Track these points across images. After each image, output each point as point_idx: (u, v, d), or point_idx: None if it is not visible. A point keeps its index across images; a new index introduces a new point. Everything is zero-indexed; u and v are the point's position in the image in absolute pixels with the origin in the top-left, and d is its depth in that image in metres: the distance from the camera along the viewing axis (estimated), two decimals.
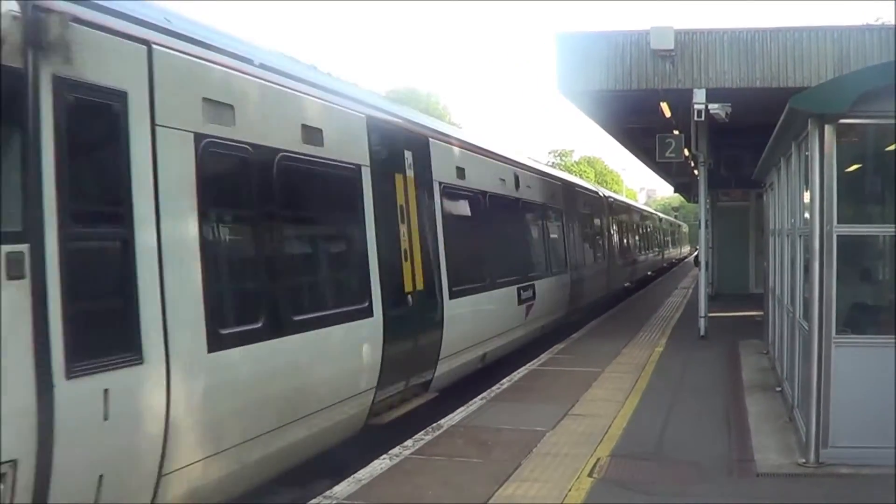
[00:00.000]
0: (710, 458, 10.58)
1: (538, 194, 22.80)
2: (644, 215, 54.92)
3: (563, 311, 24.41)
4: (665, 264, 65.23)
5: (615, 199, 40.70)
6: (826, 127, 9.66)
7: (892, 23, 25.78)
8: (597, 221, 32.28)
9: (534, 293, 20.46)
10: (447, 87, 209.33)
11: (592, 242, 30.88)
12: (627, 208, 45.67)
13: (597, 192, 35.15)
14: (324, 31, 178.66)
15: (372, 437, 11.82)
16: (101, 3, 7.23)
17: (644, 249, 49.98)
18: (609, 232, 34.59)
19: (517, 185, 20.40)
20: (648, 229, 54.53)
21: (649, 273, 50.98)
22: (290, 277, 10.28)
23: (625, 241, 40.55)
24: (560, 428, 12.20)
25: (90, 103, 6.97)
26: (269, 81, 9.86)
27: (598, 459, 10.50)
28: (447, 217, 15.28)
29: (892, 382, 9.58)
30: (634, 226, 46.38)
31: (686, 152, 23.32)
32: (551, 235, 24.03)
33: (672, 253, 77.32)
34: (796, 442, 10.85)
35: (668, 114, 22.04)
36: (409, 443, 11.37)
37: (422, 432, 11.96)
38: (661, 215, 76.28)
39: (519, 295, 19.28)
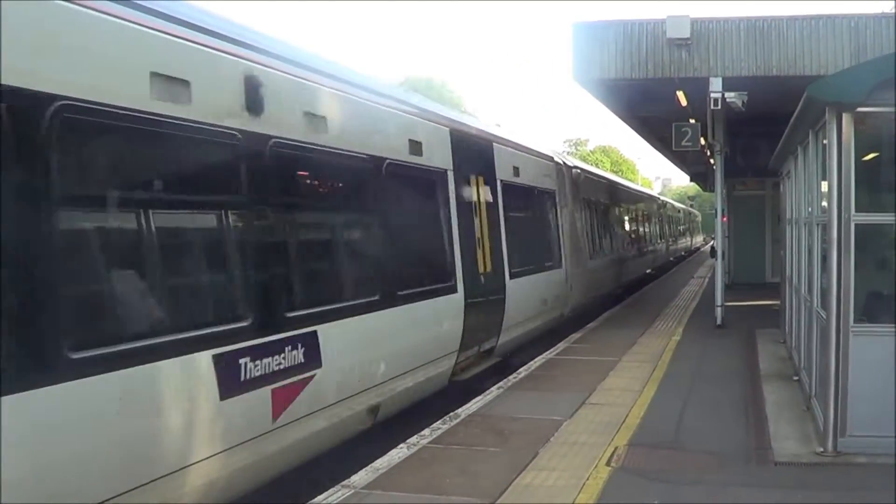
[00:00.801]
0: (727, 446, 10.59)
1: (369, 142, 11.78)
2: (638, 198, 44.12)
3: (443, 365, 13.93)
4: (671, 258, 56.58)
5: (585, 172, 28.31)
6: (844, 115, 9.64)
7: None
8: (547, 203, 22.12)
9: (316, 353, 9.66)
10: (463, 77, 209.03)
11: (534, 236, 20.86)
12: (609, 187, 33.63)
13: (551, 159, 23.46)
14: (345, 23, 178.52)
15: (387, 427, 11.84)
16: None
17: (639, 243, 40.13)
18: (573, 220, 24.54)
19: (266, 109, 9.13)
20: (646, 217, 44.32)
21: (648, 271, 42.45)
22: None
23: (605, 232, 30.08)
24: (577, 417, 12.22)
25: None
26: None
27: (616, 448, 10.52)
28: None
29: None
30: (623, 211, 36.20)
31: (702, 141, 23.25)
32: (413, 225, 13.47)
33: (680, 245, 68.94)
34: (814, 431, 10.85)
35: (683, 102, 21.97)
36: (426, 432, 11.43)
37: (439, 421, 12.02)
38: (665, 199, 66.11)
39: (230, 371, 8.26)
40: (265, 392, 8.76)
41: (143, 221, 7.55)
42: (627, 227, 36.92)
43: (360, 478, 9.48)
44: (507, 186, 17.95)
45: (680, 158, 42.44)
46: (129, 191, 7.58)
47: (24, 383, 6.04)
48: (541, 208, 21.63)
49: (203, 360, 7.88)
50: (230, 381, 8.22)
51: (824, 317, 10.24)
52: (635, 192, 44.91)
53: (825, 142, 10.16)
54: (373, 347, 11.29)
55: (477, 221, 15.88)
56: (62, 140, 6.58)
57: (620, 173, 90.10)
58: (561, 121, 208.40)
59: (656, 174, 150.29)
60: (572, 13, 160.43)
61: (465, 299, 14.57)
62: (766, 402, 12.96)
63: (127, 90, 7.27)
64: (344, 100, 11.27)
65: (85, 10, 6.90)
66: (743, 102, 18.66)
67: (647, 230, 44.19)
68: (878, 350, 9.76)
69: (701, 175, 47.58)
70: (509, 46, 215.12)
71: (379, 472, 9.71)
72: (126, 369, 6.95)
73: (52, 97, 6.47)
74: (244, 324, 8.57)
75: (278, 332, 9.07)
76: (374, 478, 9.50)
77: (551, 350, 18.23)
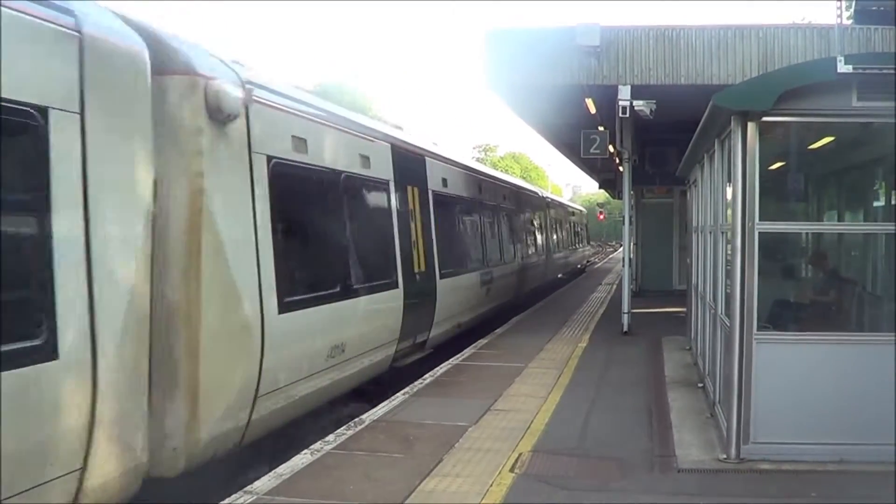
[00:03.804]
0: (631, 453, 10.59)
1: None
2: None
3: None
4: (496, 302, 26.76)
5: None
6: (749, 124, 9.71)
7: (817, 22, 26.14)
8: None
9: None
10: (378, 83, 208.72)
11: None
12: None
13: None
14: (256, 26, 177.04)
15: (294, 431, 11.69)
16: None
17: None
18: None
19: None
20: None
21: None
22: None
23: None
24: (482, 423, 12.14)
25: None
26: None
27: (520, 455, 10.46)
28: None
29: (812, 379, 9.71)
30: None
31: (611, 149, 23.37)
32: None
33: (526, 272, 32.45)
34: (718, 438, 10.92)
35: (593, 110, 22.07)
36: (330, 437, 11.28)
37: (343, 427, 11.88)
38: (510, 179, 37.57)
39: None
40: None
41: None
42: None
43: (263, 484, 9.35)
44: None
45: (589, 166, 42.76)
46: None
47: None
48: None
49: None
50: None
51: (728, 324, 10.32)
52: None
53: (731, 150, 10.23)
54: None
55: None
56: None
57: (530, 179, 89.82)
58: (471, 126, 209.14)
59: (567, 181, 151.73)
60: (486, 17, 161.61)
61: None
62: (670, 409, 13.03)
63: None
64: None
65: None
66: (651, 110, 18.74)
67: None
68: (781, 357, 9.85)
69: (610, 182, 47.99)
70: (420, 51, 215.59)
71: (282, 478, 9.58)
72: None
73: None
74: None
75: None
76: (277, 484, 9.37)
77: (458, 356, 18.14)
